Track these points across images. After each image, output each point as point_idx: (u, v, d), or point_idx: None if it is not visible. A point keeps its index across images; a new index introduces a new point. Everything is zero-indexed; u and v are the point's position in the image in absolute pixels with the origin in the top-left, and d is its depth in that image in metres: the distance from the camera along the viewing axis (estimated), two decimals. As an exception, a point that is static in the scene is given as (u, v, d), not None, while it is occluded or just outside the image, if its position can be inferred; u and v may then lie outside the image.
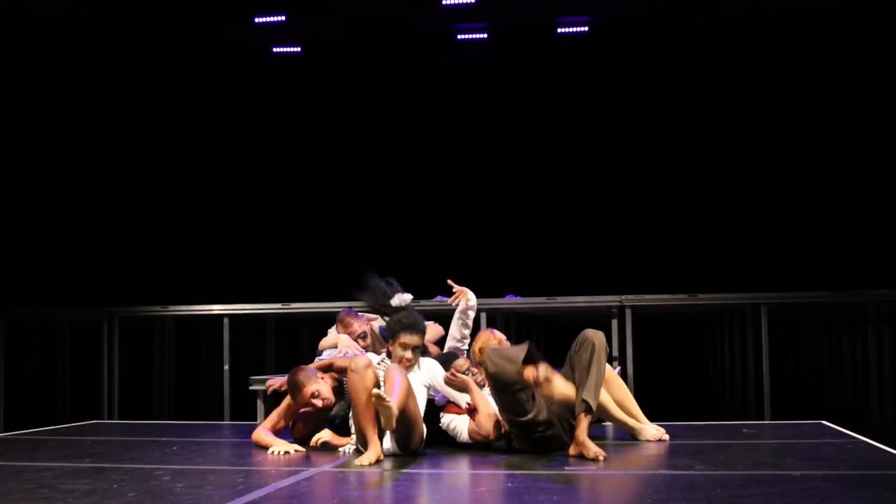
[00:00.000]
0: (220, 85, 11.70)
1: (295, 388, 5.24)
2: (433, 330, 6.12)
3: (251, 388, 7.48)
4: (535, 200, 11.24)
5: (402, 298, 5.69)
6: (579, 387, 4.77)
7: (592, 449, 4.59)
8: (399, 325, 5.24)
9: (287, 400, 5.46)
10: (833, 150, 10.37)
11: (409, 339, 5.16)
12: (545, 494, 3.72)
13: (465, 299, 5.96)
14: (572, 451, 4.70)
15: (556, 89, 11.28)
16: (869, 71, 10.35)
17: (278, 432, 5.36)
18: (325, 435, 5.21)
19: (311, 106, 11.71)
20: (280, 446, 5.09)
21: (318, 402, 5.23)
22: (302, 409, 5.45)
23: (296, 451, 5.07)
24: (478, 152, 11.38)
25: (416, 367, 5.19)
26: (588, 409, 4.71)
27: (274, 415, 5.48)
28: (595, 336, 4.90)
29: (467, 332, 6.01)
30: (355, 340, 6.03)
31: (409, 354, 5.14)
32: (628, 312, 8.02)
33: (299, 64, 11.79)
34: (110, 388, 9.11)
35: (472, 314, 6.01)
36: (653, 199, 10.96)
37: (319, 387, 5.23)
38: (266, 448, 5.16)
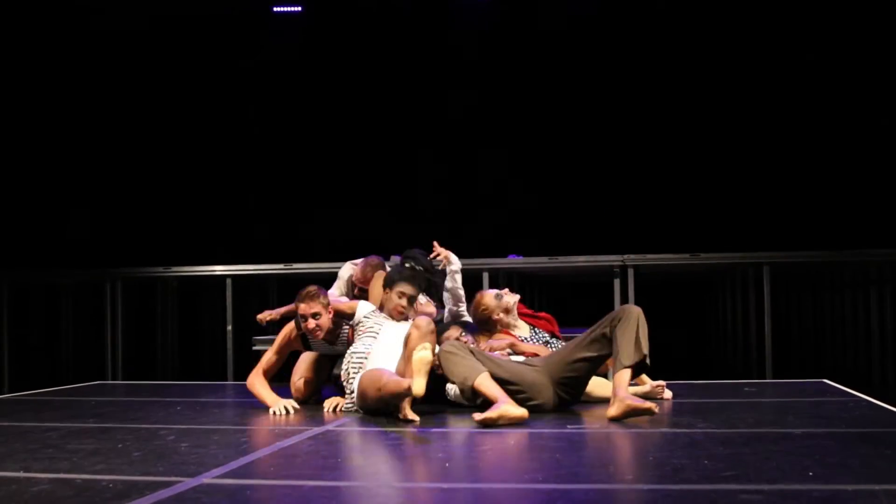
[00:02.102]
0: (219, 45, 11.60)
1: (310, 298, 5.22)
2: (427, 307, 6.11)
3: (254, 348, 7.51)
4: (538, 159, 11.19)
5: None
6: (619, 352, 4.68)
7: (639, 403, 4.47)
8: (399, 275, 5.33)
9: (280, 337, 5.44)
10: (836, 108, 10.30)
11: (406, 288, 5.23)
12: (548, 452, 3.74)
13: (448, 263, 5.97)
14: (613, 412, 4.50)
15: (557, 43, 11.15)
16: (877, 21, 10.23)
17: (274, 379, 5.38)
18: (338, 400, 5.21)
19: (312, 67, 11.62)
20: (280, 404, 5.10)
21: (318, 332, 5.21)
22: (302, 363, 5.49)
23: (294, 408, 5.09)
24: (478, 111, 11.31)
25: (408, 318, 5.23)
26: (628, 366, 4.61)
27: (269, 354, 5.45)
28: (632, 309, 4.82)
29: (461, 292, 6.02)
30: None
31: (403, 302, 5.20)
32: (630, 272, 8.02)
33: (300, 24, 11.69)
34: (114, 349, 9.14)
35: (458, 277, 6.02)
36: (656, 157, 10.90)
37: (324, 316, 5.21)
38: (261, 402, 5.20)
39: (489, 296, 5.72)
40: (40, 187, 10.52)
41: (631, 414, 4.44)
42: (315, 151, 11.64)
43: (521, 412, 4.38)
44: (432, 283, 5.99)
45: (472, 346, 5.36)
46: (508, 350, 5.39)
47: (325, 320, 5.22)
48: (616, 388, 4.55)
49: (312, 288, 5.26)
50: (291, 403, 5.13)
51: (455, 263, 6.00)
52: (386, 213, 11.12)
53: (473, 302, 5.78)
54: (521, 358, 5.23)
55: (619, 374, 4.61)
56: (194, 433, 4.43)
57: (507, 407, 4.37)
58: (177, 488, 3.12)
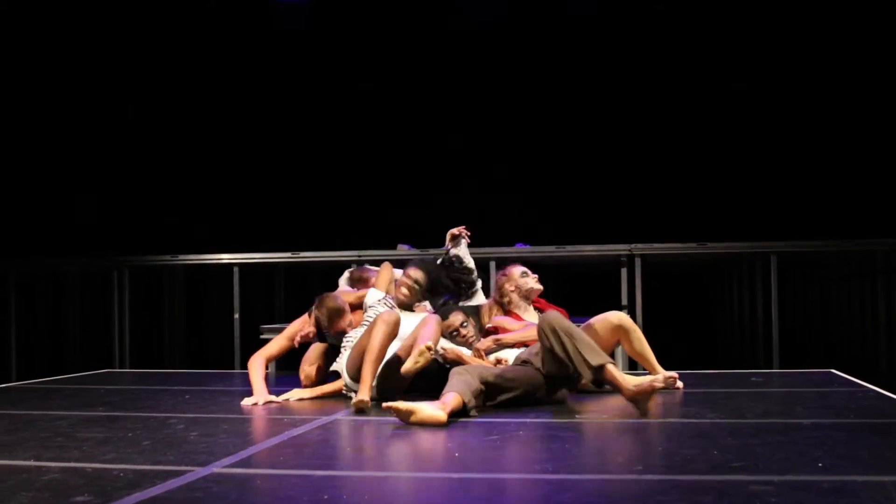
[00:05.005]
0: (225, 32, 11.56)
1: (336, 315, 5.29)
2: (386, 272, 5.86)
3: (261, 336, 7.51)
4: (546, 148, 11.17)
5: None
6: (577, 366, 4.49)
7: (654, 381, 4.34)
8: (415, 262, 5.55)
9: (291, 327, 5.48)
10: (842, 98, 10.26)
11: (413, 272, 5.42)
12: (557, 442, 3.74)
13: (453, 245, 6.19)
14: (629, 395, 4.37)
15: (563, 32, 11.12)
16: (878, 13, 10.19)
17: (283, 367, 5.39)
18: (296, 394, 5.23)
19: (318, 56, 11.60)
20: (259, 398, 5.04)
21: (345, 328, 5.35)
22: (313, 352, 5.50)
23: (272, 402, 5.04)
24: (486, 98, 11.28)
25: (413, 304, 5.42)
26: (598, 372, 4.46)
27: (280, 339, 5.47)
28: (548, 320, 4.60)
29: (469, 262, 6.09)
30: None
31: (408, 282, 5.37)
32: (638, 261, 8.01)
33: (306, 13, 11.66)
34: (121, 337, 9.17)
35: (463, 248, 6.28)
36: (663, 146, 10.87)
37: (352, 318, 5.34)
38: (252, 385, 5.20)
39: (516, 269, 5.75)
40: (46, 177, 10.54)
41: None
42: (325, 138, 11.62)
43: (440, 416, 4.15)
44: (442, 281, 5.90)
45: (473, 337, 5.37)
46: (494, 346, 5.33)
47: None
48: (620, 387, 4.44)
49: (335, 300, 5.35)
50: (272, 398, 5.09)
51: (458, 249, 6.18)
52: (393, 199, 11.12)
53: (501, 271, 5.84)
54: (514, 352, 5.19)
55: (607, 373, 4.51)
56: (203, 422, 4.44)
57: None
58: (187, 477, 3.13)
